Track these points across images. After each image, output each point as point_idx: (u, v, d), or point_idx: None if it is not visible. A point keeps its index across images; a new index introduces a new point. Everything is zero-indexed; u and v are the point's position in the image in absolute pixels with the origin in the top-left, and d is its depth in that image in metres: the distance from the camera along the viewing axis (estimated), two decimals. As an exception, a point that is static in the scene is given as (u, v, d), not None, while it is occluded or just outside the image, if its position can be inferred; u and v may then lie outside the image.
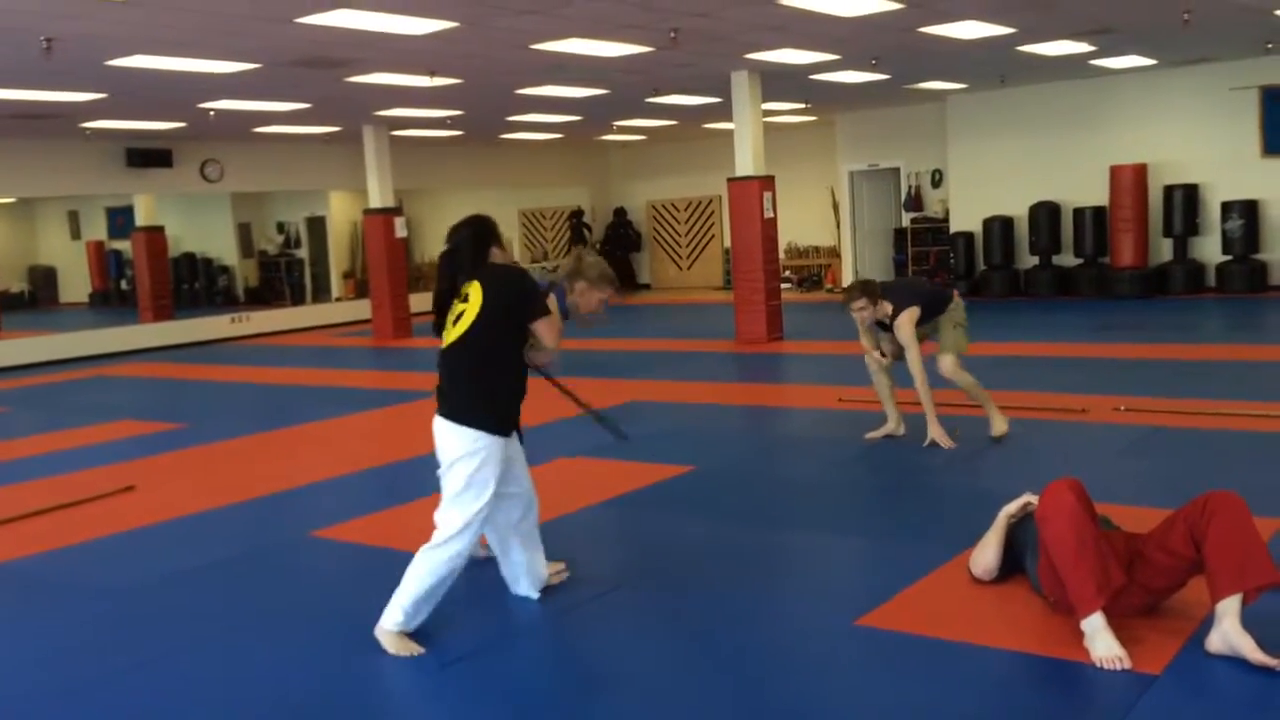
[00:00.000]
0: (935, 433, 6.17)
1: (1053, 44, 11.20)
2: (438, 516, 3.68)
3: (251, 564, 4.87)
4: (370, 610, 4.04)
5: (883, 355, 6.35)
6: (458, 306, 3.72)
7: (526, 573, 4.07)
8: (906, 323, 6.09)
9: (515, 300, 3.70)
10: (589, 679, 3.47)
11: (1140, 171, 13.90)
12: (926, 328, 6.26)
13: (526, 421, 4.04)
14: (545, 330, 3.73)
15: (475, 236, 3.79)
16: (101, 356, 14.56)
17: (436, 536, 3.65)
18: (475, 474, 3.62)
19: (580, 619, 4.01)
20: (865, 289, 6.16)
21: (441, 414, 3.68)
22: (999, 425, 6.28)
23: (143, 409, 9.93)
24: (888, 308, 6.15)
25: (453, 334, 3.70)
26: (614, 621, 3.97)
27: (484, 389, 3.66)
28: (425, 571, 3.63)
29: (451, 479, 3.64)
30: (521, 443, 4.02)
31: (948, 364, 6.21)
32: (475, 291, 3.68)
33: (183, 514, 5.75)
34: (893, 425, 6.49)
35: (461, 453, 3.61)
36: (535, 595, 4.08)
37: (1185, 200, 13.72)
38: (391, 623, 3.66)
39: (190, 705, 3.37)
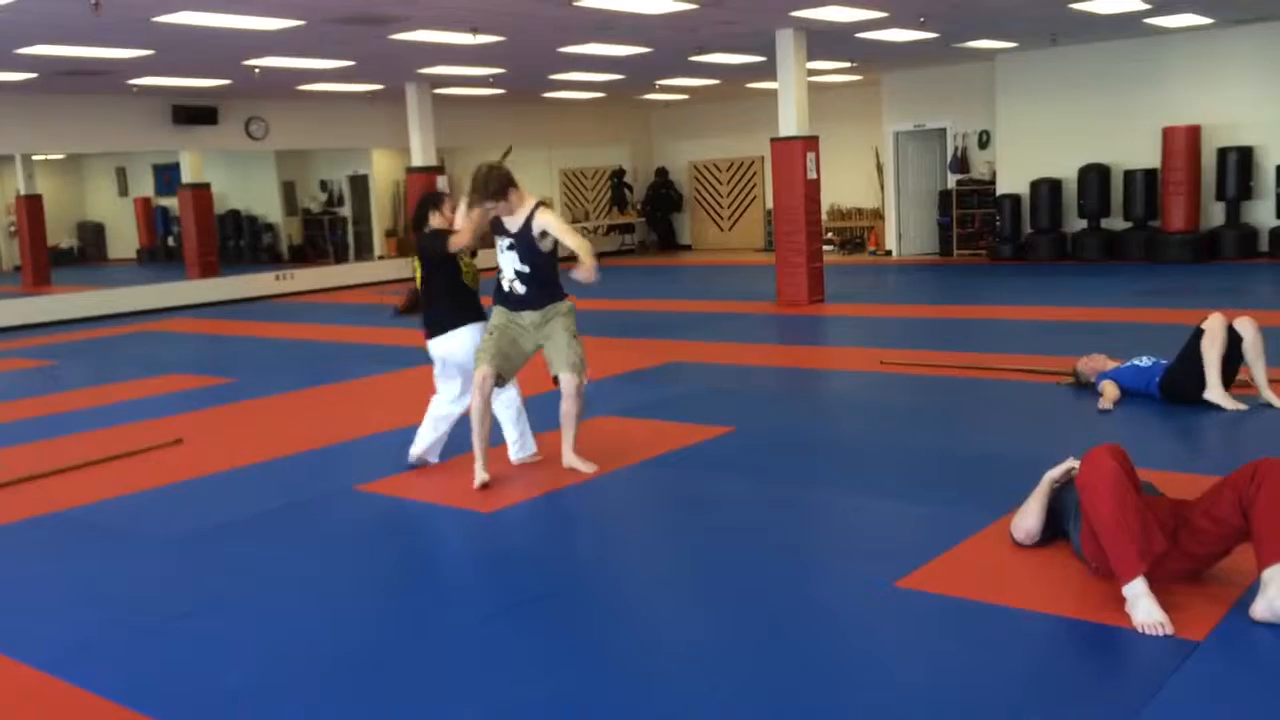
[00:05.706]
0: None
1: (1106, 0, 10.94)
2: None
3: (296, 516, 4.95)
4: (410, 561, 4.06)
5: None
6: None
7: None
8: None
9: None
10: (628, 637, 3.50)
11: (1193, 133, 13.60)
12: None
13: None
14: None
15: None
16: (149, 312, 14.77)
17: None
18: None
19: (618, 577, 4.04)
20: None
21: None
22: (587, 467, 5.34)
23: (190, 364, 10.08)
24: None
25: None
26: (653, 581, 4.00)
27: None
28: None
29: None
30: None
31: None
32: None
33: (230, 467, 5.85)
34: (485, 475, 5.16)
35: None
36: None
37: (1239, 163, 13.42)
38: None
39: (235, 654, 3.45)
